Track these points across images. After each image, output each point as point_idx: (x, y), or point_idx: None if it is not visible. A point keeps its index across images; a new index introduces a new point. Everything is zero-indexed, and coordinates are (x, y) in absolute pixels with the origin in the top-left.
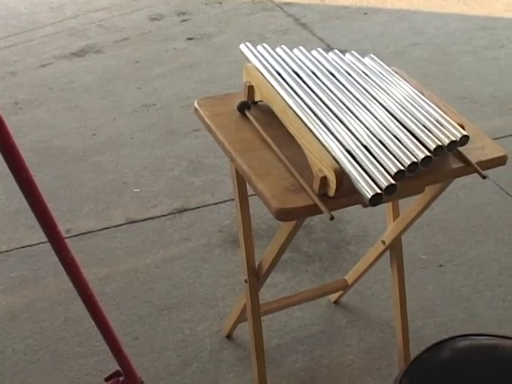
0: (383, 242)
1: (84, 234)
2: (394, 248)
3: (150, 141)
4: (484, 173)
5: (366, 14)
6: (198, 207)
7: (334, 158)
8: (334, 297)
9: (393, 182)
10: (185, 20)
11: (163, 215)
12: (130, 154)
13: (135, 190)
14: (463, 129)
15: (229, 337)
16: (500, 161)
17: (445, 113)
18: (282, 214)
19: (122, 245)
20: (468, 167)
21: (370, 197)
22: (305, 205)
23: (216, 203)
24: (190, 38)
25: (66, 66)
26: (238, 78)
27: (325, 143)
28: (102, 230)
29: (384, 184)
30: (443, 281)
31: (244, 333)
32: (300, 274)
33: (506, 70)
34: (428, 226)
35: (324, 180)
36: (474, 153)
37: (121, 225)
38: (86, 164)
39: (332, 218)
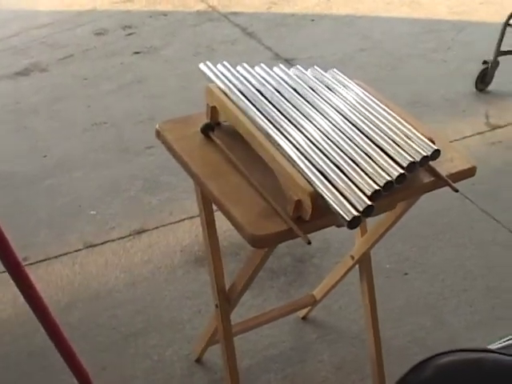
0: (352, 257)
1: (42, 261)
2: (363, 262)
3: (103, 161)
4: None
5: (312, 20)
6: (157, 227)
7: (307, 180)
8: (302, 312)
9: (370, 203)
10: (130, 34)
11: (122, 237)
12: (83, 176)
13: (91, 212)
14: (433, 143)
15: (198, 360)
16: (469, 172)
17: (413, 126)
18: (258, 241)
19: (81, 270)
20: (439, 181)
21: (348, 220)
22: (280, 230)
23: (175, 222)
24: (136, 52)
25: (10, 85)
26: (188, 91)
27: (296, 165)
28: (60, 256)
29: (362, 206)
30: (409, 289)
31: (213, 355)
32: (266, 291)
33: (454, 72)
34: (389, 234)
35: (298, 203)
36: (444, 165)
37: (79, 250)
38: (39, 188)
39: (309, 243)
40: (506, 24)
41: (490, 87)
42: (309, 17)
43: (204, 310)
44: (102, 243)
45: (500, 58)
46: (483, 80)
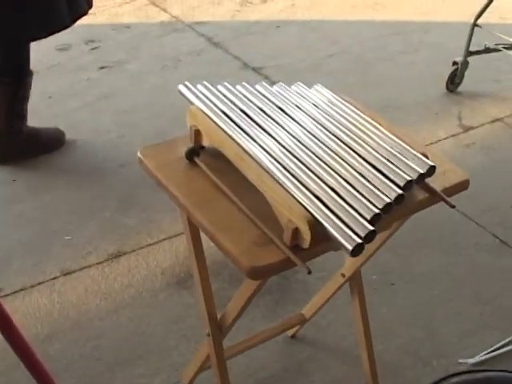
0: (342, 275)
1: (18, 291)
2: (354, 280)
3: (75, 182)
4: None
5: (278, 27)
6: (135, 250)
7: (303, 206)
8: (290, 331)
9: (372, 228)
10: (94, 48)
11: (100, 262)
12: (55, 199)
13: (66, 237)
14: (427, 158)
15: None
16: (463, 185)
17: (405, 142)
18: (255, 273)
19: (60, 299)
20: (434, 197)
21: (351, 249)
22: (278, 260)
23: (154, 243)
24: (102, 67)
25: None
26: (157, 105)
27: (290, 190)
28: (36, 285)
29: (363, 232)
30: (397, 300)
31: (203, 381)
32: (252, 311)
33: (424, 74)
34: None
35: (295, 231)
36: (437, 180)
37: (56, 277)
38: (9, 214)
39: (310, 272)
40: (474, 24)
41: (461, 88)
42: (274, 23)
43: (190, 334)
44: (80, 269)
45: (469, 58)
46: (453, 81)
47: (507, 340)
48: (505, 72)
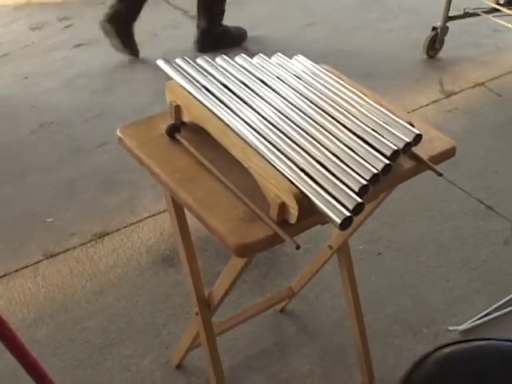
0: (330, 247)
1: (1, 277)
2: (342, 251)
3: (55, 163)
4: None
5: None
6: (119, 229)
7: (289, 180)
8: (279, 305)
9: (360, 200)
10: (68, 26)
11: (84, 243)
12: (35, 181)
13: (48, 220)
14: (412, 126)
15: (179, 366)
16: (450, 153)
17: (389, 111)
18: (243, 251)
19: (45, 283)
20: (421, 165)
21: (340, 222)
22: (265, 236)
23: (137, 222)
24: (77, 45)
25: None
26: (135, 82)
27: (275, 164)
28: (20, 269)
29: (352, 205)
30: (385, 269)
31: (193, 359)
32: (240, 286)
33: (403, 41)
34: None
35: (282, 206)
36: (424, 147)
37: (40, 261)
38: None
39: (298, 248)
40: None
41: (441, 53)
42: None
43: (178, 312)
44: (64, 251)
45: (448, 23)
46: (433, 47)
47: (495, 306)
48: (485, 36)
